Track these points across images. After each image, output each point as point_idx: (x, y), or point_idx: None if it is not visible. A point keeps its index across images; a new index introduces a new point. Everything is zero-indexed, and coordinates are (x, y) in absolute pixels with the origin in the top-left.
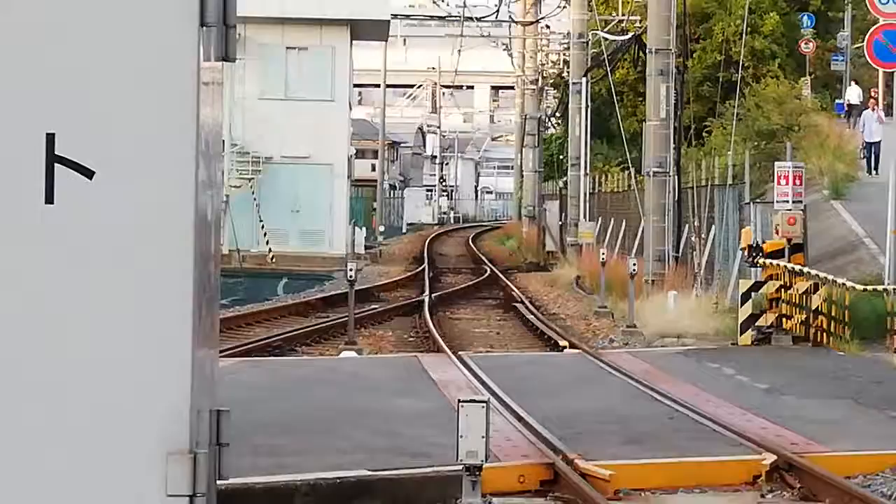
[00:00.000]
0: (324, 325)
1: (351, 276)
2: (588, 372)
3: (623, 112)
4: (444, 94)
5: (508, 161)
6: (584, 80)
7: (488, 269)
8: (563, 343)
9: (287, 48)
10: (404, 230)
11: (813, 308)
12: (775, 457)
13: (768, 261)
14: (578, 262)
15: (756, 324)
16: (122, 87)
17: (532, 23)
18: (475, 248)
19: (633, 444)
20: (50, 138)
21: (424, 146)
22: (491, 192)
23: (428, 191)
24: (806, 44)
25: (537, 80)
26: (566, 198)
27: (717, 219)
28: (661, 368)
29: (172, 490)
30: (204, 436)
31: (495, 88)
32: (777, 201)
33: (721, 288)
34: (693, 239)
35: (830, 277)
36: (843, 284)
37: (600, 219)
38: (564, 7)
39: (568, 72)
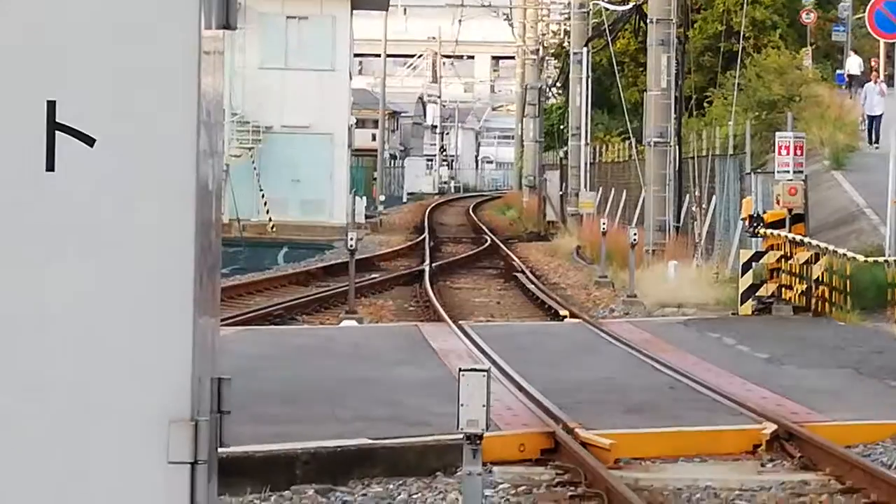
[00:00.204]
0: (324, 294)
1: (351, 246)
2: (588, 341)
3: (624, 82)
4: (444, 63)
5: (509, 131)
6: (584, 49)
7: (489, 239)
8: (563, 312)
9: (287, 17)
10: (405, 200)
11: (813, 278)
12: (775, 426)
13: (769, 231)
14: (579, 231)
15: (756, 294)
16: (124, 55)
17: None
18: (476, 218)
19: (633, 414)
20: (51, 106)
21: (425, 116)
22: (491, 162)
23: (428, 160)
24: (807, 14)
25: (538, 50)
26: (567, 168)
27: (718, 189)
28: (662, 338)
29: (174, 457)
30: (205, 403)
31: (496, 58)
32: (778, 171)
33: (721, 258)
34: (694, 209)
35: (831, 248)
36: (844, 255)
37: (601, 189)
38: None
39: (569, 42)
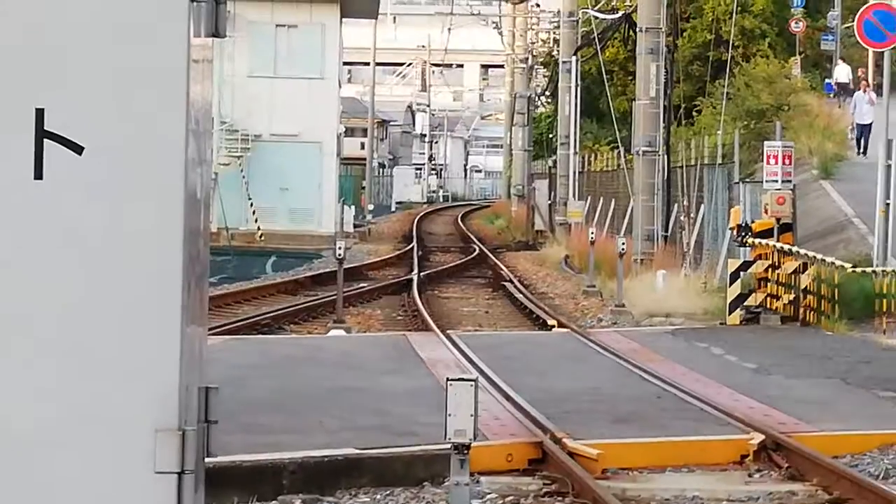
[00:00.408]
0: (312, 303)
1: (340, 255)
2: (576, 351)
3: (613, 91)
4: (433, 72)
5: (498, 140)
6: (573, 58)
7: (477, 248)
8: (551, 322)
9: (277, 25)
10: (393, 209)
11: (801, 288)
12: (763, 436)
13: (757, 240)
14: (567, 241)
15: (744, 303)
16: (112, 63)
17: (522, 1)
18: (464, 227)
19: (621, 424)
20: (39, 113)
21: (414, 124)
22: (480, 171)
23: (417, 169)
24: (796, 23)
25: (527, 58)
26: (555, 177)
27: (707, 198)
28: (650, 348)
29: (161, 467)
30: (192, 413)
31: (485, 67)
32: (766, 181)
33: (710, 267)
34: (682, 218)
35: (819, 257)
36: (832, 264)
37: (589, 198)
38: None
39: (558, 50)
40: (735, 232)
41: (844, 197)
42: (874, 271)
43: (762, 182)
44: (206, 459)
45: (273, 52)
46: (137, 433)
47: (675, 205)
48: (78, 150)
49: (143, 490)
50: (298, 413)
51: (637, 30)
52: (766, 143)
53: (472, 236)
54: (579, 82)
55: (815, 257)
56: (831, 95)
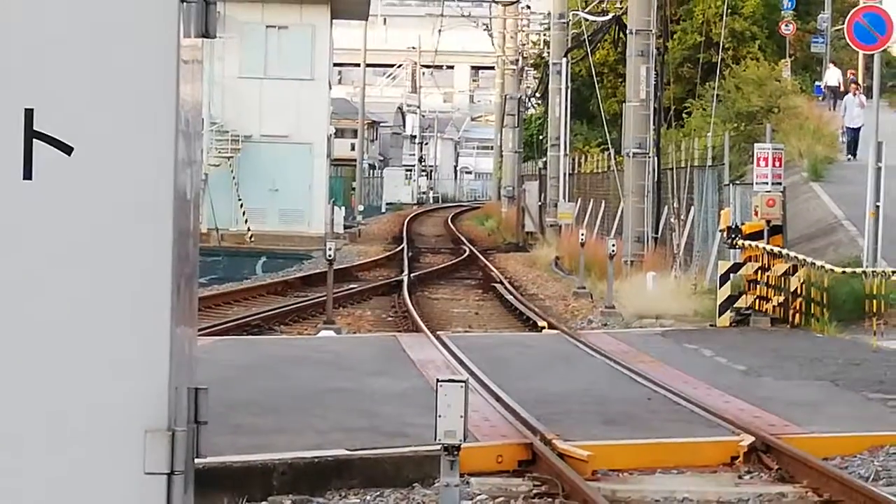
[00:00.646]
0: (302, 304)
1: (330, 256)
2: (566, 352)
3: (603, 93)
4: (423, 73)
5: (488, 141)
6: (564, 60)
7: (467, 250)
8: (541, 323)
9: (267, 26)
10: (383, 210)
11: (791, 290)
12: (753, 438)
13: (747, 242)
14: (558, 242)
15: (734, 305)
16: (102, 63)
17: (512, 3)
18: (454, 229)
19: (611, 425)
20: (28, 114)
21: (404, 126)
22: (470, 173)
23: (407, 170)
24: (786, 25)
25: (517, 60)
26: (546, 178)
27: (697, 200)
28: (640, 349)
29: (150, 468)
30: (182, 414)
31: (475, 68)
32: (756, 183)
33: (700, 269)
34: (672, 220)
35: (809, 259)
36: (822, 266)
37: (580, 199)
38: None
39: (548, 52)
40: (725, 234)
41: (834, 199)
42: (864, 273)
43: (752, 184)
44: (196, 460)
45: (263, 53)
46: (127, 434)
47: (666, 207)
48: (67, 150)
49: (133, 490)
50: (288, 414)
51: (627, 32)
52: (756, 145)
53: (462, 238)
54: (569, 84)
55: (805, 259)
56: (821, 98)
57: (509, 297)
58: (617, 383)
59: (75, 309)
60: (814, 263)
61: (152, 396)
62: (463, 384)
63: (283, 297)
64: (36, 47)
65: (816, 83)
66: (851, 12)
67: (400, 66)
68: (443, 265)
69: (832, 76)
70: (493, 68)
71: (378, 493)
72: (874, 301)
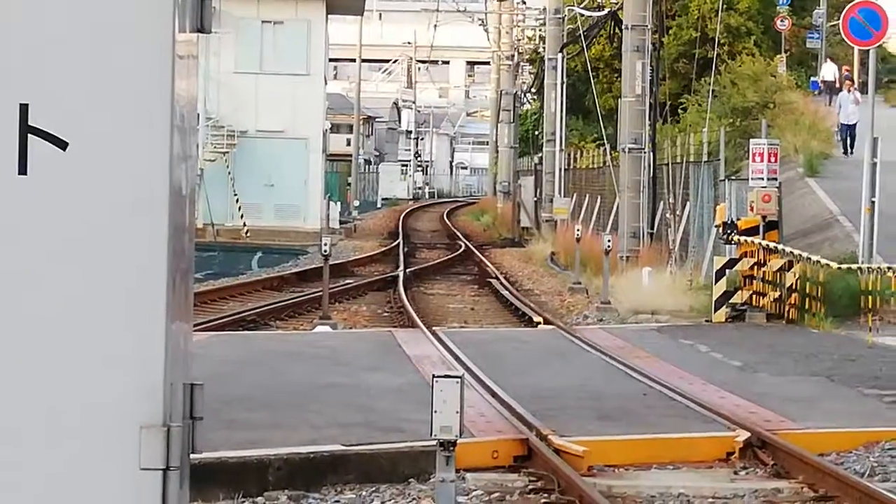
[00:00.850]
0: (298, 299)
1: (325, 251)
2: (562, 348)
3: (599, 88)
4: (419, 68)
5: (484, 136)
6: (559, 55)
7: (463, 245)
8: (537, 319)
9: (262, 22)
10: (379, 205)
11: (787, 285)
12: (748, 434)
13: (743, 238)
14: (553, 238)
15: (730, 301)
16: (97, 58)
17: None
18: (450, 224)
19: (606, 421)
20: (23, 109)
21: (400, 121)
22: (466, 168)
23: (403, 166)
24: (781, 21)
25: (513, 55)
26: (541, 174)
27: (692, 196)
28: (636, 345)
29: (145, 463)
30: (177, 409)
31: (471, 64)
32: (752, 178)
33: (695, 265)
34: (668, 216)
35: (805, 255)
36: (818, 262)
37: (575, 195)
38: None
39: (544, 47)
40: (721, 229)
41: (830, 195)
42: (859, 269)
43: (748, 180)
44: (192, 456)
45: (259, 48)
46: (122, 429)
47: (661, 202)
48: (62, 145)
49: (128, 486)
50: (284, 409)
51: (623, 27)
52: (751, 140)
53: (457, 233)
54: (565, 79)
55: (800, 255)
56: (817, 93)
57: (505, 292)
58: (612, 379)
59: (70, 304)
60: (809, 259)
61: (147, 392)
62: (459, 380)
63: (279, 292)
64: (31, 43)
65: (812, 78)
66: (847, 8)
67: (395, 61)
68: (438, 261)
69: (828, 71)
70: (488, 64)
71: (374, 488)
72: (870, 297)
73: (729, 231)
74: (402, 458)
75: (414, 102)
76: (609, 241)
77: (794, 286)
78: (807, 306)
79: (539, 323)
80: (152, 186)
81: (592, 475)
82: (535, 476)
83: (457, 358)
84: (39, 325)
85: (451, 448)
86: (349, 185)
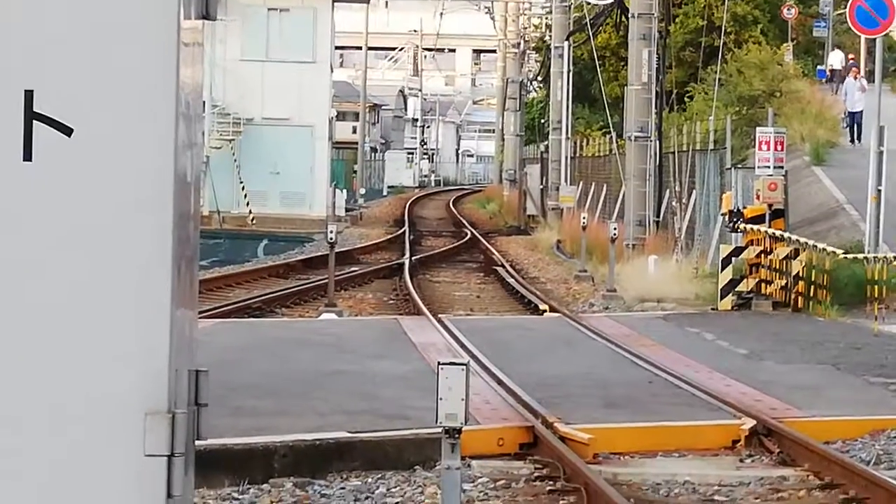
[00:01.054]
0: (304, 286)
1: (331, 239)
2: (568, 336)
3: (605, 76)
4: (425, 56)
5: (490, 124)
6: (566, 43)
7: (469, 233)
8: (543, 307)
9: (269, 9)
10: (385, 193)
11: (793, 274)
12: (754, 422)
13: (749, 226)
14: (559, 226)
15: (736, 289)
16: (102, 44)
17: None
18: (456, 212)
19: (612, 408)
20: (28, 95)
21: (406, 109)
22: (472, 156)
23: (409, 154)
24: (788, 9)
25: (519, 43)
26: (547, 162)
27: (698, 184)
28: (641, 333)
29: (150, 450)
30: (182, 396)
31: (477, 52)
32: (758, 167)
33: (701, 253)
34: (674, 204)
35: (811, 243)
36: (824, 250)
37: (581, 183)
38: None
39: (550, 35)
40: (727, 217)
41: (836, 183)
42: (865, 257)
43: (754, 168)
44: (197, 442)
45: (265, 35)
46: (127, 416)
47: (667, 190)
48: (67, 131)
49: (133, 472)
50: (289, 396)
51: (629, 15)
52: (758, 129)
53: (463, 221)
54: (571, 67)
55: (806, 243)
56: (823, 82)
57: (511, 280)
58: (618, 366)
59: (75, 291)
60: (815, 247)
61: (152, 378)
62: (464, 367)
63: (285, 279)
64: (35, 29)
65: (819, 67)
66: None
67: (402, 49)
68: (444, 248)
69: (835, 59)
70: (494, 52)
71: (379, 475)
72: (876, 285)
73: (735, 219)
74: (407, 445)
75: (420, 90)
76: (615, 228)
77: (800, 274)
78: (813, 294)
79: (545, 311)
80: (157, 174)
81: (598, 462)
82: (541, 463)
83: (462, 345)
84: (44, 311)
85: (457, 435)
86: (355, 172)
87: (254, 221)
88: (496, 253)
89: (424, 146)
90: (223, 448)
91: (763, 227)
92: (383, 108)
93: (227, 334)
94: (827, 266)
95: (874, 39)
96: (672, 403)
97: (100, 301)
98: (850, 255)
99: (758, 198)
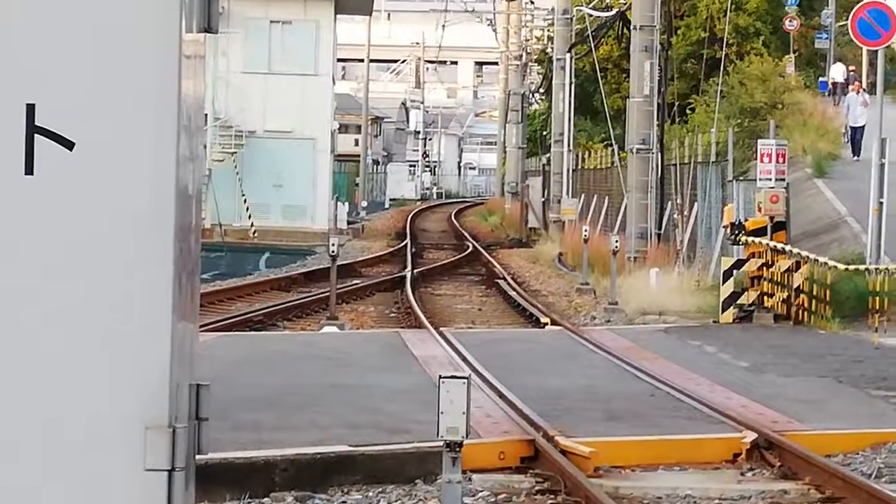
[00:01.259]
0: (305, 300)
1: (333, 251)
2: (569, 349)
3: (607, 89)
4: (427, 69)
5: (492, 137)
6: (567, 56)
7: (471, 246)
8: (544, 320)
9: (271, 22)
10: (387, 206)
11: (794, 286)
12: (755, 435)
13: (750, 239)
14: (561, 238)
15: (738, 302)
16: (104, 58)
17: None
18: (458, 224)
19: (613, 422)
20: (30, 109)
21: (408, 121)
22: (474, 168)
23: (411, 166)
24: (790, 21)
25: (521, 55)
26: (549, 174)
27: (700, 196)
28: (643, 346)
29: (151, 464)
30: (183, 410)
31: (479, 64)
32: (760, 179)
33: (703, 265)
34: (675, 216)
35: (812, 256)
36: (825, 263)
37: (583, 195)
38: None
39: (552, 47)
40: (728, 230)
41: (838, 195)
42: (867, 270)
43: (756, 180)
44: (197, 457)
45: (267, 48)
46: (127, 430)
47: (669, 203)
48: (69, 145)
49: (133, 487)
50: (291, 410)
51: (631, 27)
52: (759, 141)
53: (465, 233)
54: (573, 80)
55: (808, 256)
56: (825, 94)
57: (512, 293)
58: (619, 380)
59: (76, 304)
60: (817, 260)
61: (153, 393)
62: (465, 381)
63: (287, 292)
64: (37, 43)
65: (821, 79)
66: (855, 8)
67: (404, 61)
68: (446, 261)
69: (837, 71)
70: (496, 64)
71: (380, 489)
72: (877, 298)
73: (737, 232)
74: (408, 458)
75: (422, 102)
76: (617, 241)
77: (801, 287)
78: (814, 307)
79: (546, 324)
80: (159, 187)
81: (599, 476)
82: (542, 477)
83: (464, 359)
84: (45, 325)
85: (458, 449)
86: (357, 185)
87: (255, 234)
88: (498, 266)
89: (426, 158)
90: (224, 462)
91: (765, 240)
92: (385, 120)
93: (228, 348)
94: (828, 279)
95: (876, 51)
96: (673, 417)
97: (100, 314)
98: (851, 268)
99: (759, 210)
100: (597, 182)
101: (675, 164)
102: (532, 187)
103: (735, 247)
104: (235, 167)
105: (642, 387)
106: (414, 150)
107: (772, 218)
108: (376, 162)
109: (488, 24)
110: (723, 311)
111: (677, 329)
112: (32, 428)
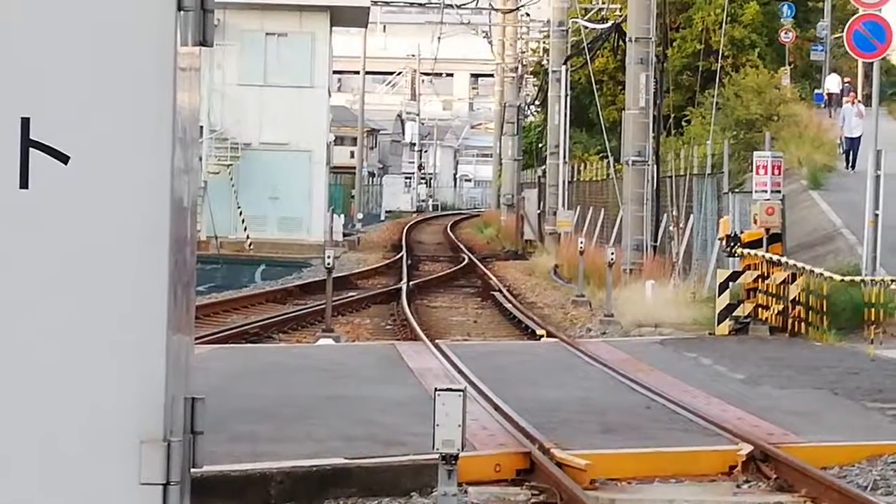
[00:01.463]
0: (301, 312)
1: (329, 264)
2: (565, 361)
3: (602, 101)
4: (423, 81)
5: (487, 149)
6: (563, 68)
7: (466, 258)
8: (540, 332)
9: (266, 34)
10: (382, 218)
11: (790, 298)
12: (751, 447)
13: (746, 250)
14: (557, 250)
15: (733, 314)
16: (99, 71)
17: (512, 10)
18: (453, 236)
19: (609, 434)
20: (25, 123)
21: (403, 133)
22: (470, 180)
23: (407, 178)
24: (785, 33)
25: (517, 67)
26: (545, 186)
27: (696, 208)
28: (639, 358)
29: (146, 478)
30: (178, 424)
31: (475, 76)
32: (755, 191)
33: (699, 277)
34: (671, 228)
35: (808, 267)
36: (821, 274)
37: (579, 207)
38: None
39: (547, 60)
40: (724, 242)
41: (833, 207)
42: (863, 281)
43: (751, 192)
44: (192, 470)
45: (263, 60)
46: (122, 444)
47: (665, 215)
48: (64, 159)
49: (128, 501)
50: (286, 422)
51: (627, 40)
52: (755, 153)
53: (461, 245)
54: (569, 92)
55: (803, 268)
56: (821, 106)
57: (508, 305)
58: (615, 392)
59: (71, 317)
60: (813, 271)
61: (148, 406)
62: (461, 393)
63: (282, 304)
64: (32, 57)
65: (816, 91)
66: (851, 20)
67: (399, 73)
68: (442, 273)
69: (832, 82)
70: (492, 76)
71: (376, 502)
72: (873, 309)
73: (732, 244)
74: (404, 471)
75: (418, 115)
76: (612, 253)
77: (797, 299)
78: (810, 319)
79: (542, 336)
80: (154, 199)
81: (595, 489)
82: (538, 489)
83: (459, 371)
84: (40, 338)
85: (454, 461)
86: (353, 197)
87: (251, 246)
88: (493, 278)
89: (422, 171)
90: (220, 475)
91: (760, 252)
92: (381, 132)
93: (223, 360)
94: (824, 290)
95: (871, 63)
96: (669, 429)
97: (95, 327)
98: (847, 279)
99: (755, 222)
100: (592, 194)
101: (671, 176)
102: (528, 199)
103: (731, 259)
104: (231, 179)
105: (638, 399)
106: (410, 163)
107: (767, 230)
108: (372, 174)
109: (484, 37)
110: (718, 323)
111: (673, 341)
112: (28, 442)
